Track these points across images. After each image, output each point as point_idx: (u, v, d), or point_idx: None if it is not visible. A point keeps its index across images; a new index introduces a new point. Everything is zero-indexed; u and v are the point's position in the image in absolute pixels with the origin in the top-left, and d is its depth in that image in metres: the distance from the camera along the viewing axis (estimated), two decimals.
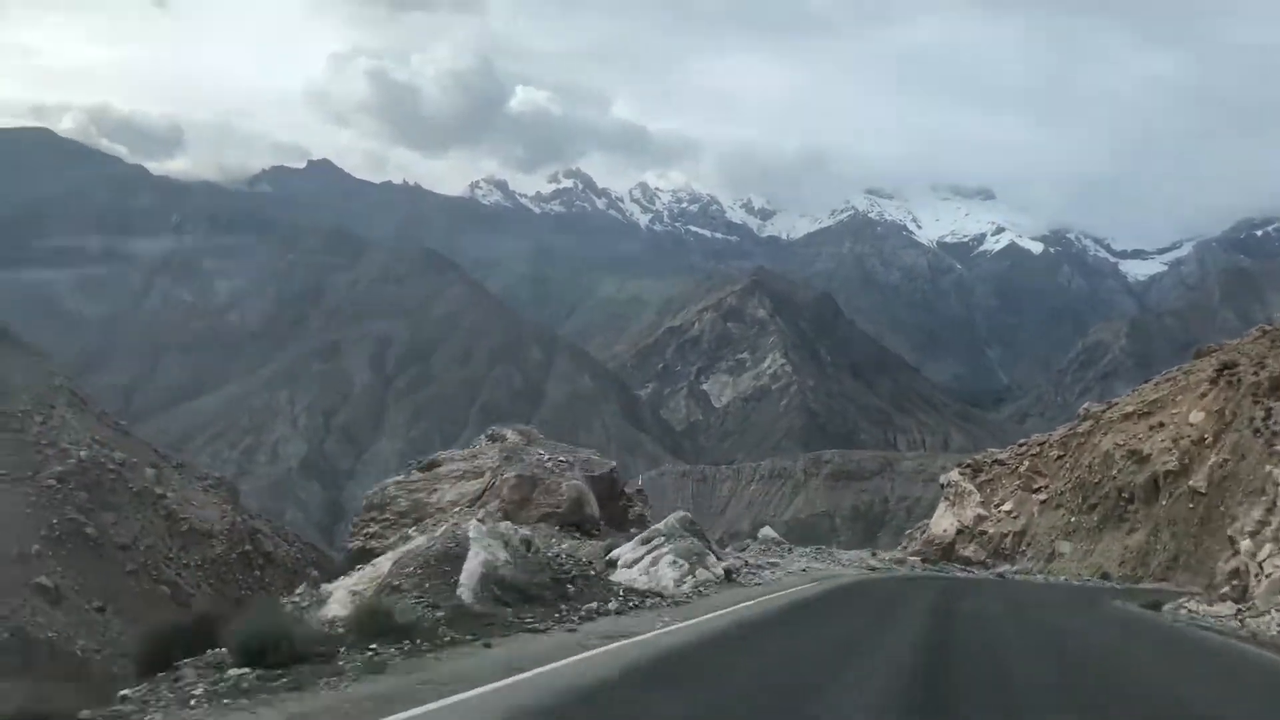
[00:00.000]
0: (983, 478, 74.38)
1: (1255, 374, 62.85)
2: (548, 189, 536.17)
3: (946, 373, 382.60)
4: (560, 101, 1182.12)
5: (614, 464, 27.97)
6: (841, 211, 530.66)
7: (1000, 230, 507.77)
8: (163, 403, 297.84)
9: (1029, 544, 68.07)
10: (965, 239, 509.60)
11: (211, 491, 56.94)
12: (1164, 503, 59.64)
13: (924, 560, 29.12)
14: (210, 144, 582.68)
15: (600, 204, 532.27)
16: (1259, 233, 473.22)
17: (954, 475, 77.54)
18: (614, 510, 27.63)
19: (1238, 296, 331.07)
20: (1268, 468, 52.50)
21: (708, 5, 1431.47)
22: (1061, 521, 67.51)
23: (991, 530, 69.08)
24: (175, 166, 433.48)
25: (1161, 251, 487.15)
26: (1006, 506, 70.27)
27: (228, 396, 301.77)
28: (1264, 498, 51.14)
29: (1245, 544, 27.35)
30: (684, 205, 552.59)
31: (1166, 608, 26.02)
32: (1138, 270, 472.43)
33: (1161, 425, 64.93)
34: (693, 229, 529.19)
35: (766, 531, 30.12)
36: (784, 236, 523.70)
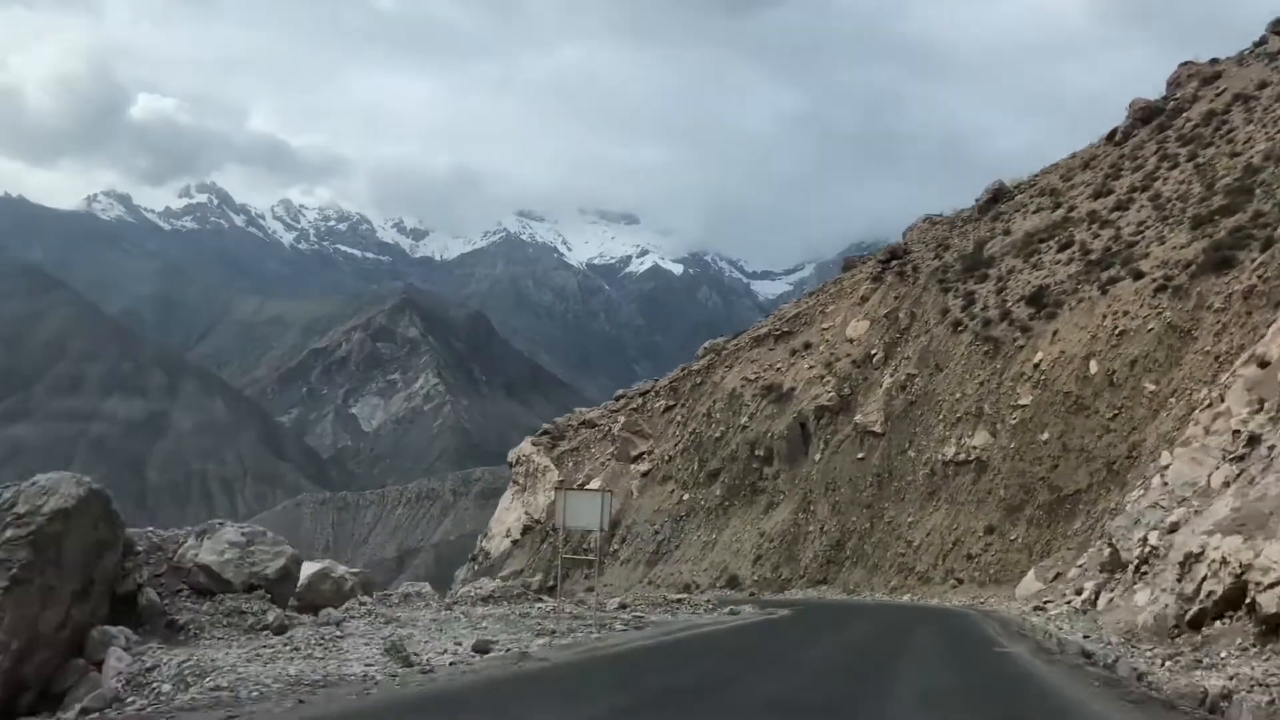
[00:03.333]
0: (564, 447, 50.28)
1: (938, 257, 42.55)
2: (178, 204, 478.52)
3: (598, 388, 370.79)
4: (190, 111, 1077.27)
5: None
6: (494, 233, 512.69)
7: (645, 252, 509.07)
8: None
9: (627, 537, 44.24)
10: (612, 261, 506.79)
11: None
12: (818, 458, 37.88)
13: None
14: None
15: (239, 220, 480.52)
16: (865, 254, 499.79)
17: (525, 447, 53.21)
18: None
19: None
20: (990, 369, 31.41)
21: (353, 21, 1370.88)
22: (671, 501, 44.32)
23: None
24: None
25: (787, 272, 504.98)
26: (596, 482, 46.24)
27: None
28: (982, 417, 29.47)
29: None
30: (332, 224, 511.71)
31: None
32: (767, 290, 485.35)
33: (807, 348, 43.48)
34: (342, 248, 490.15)
35: None
36: (437, 257, 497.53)
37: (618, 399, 55.19)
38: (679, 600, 27.38)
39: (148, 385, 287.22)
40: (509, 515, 51.65)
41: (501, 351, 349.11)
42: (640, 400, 53.21)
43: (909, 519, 33.45)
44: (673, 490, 46.69)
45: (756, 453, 43.53)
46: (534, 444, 53.67)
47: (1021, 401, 31.15)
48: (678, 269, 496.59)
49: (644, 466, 48.86)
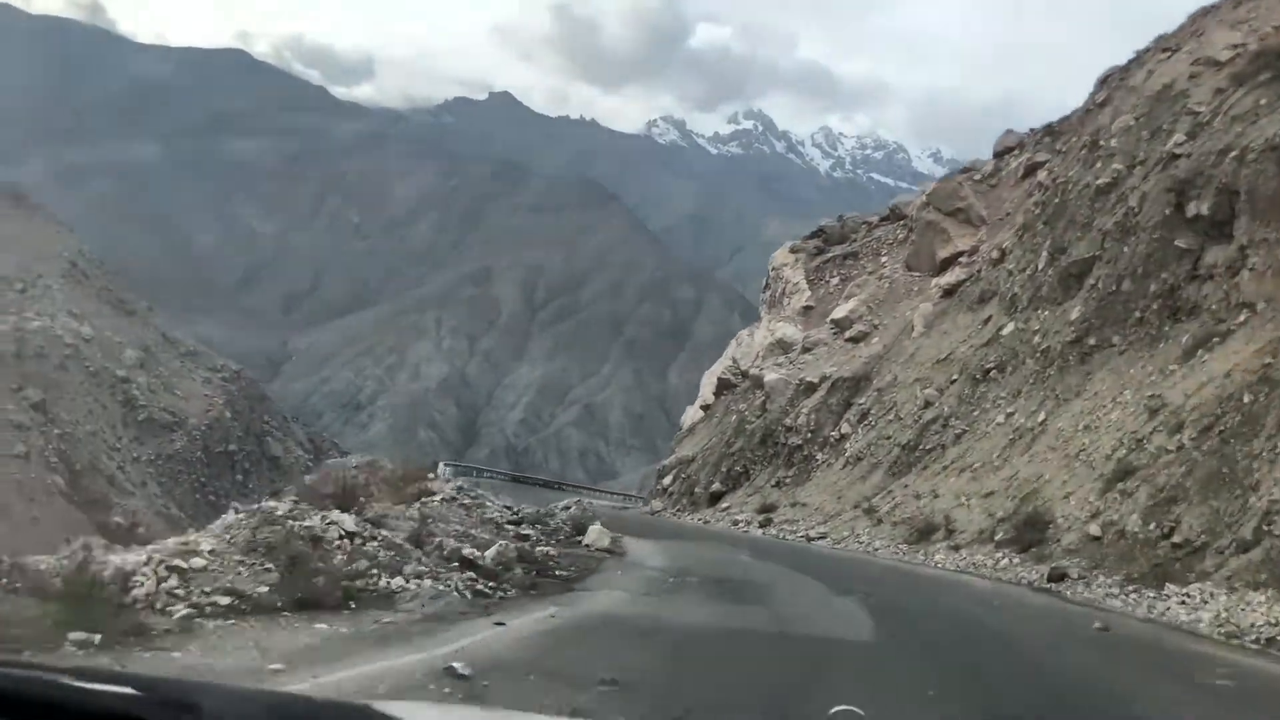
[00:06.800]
0: (834, 253, 24.84)
1: None
2: (726, 129, 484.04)
3: None
4: (743, 39, 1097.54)
5: None
6: None
7: None
8: (320, 316, 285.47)
9: (869, 412, 18.11)
10: None
11: (218, 385, 54.01)
12: None
13: None
14: (399, 74, 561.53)
15: (779, 147, 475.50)
16: None
17: (780, 256, 28.28)
18: None
19: None
20: None
21: None
22: (975, 341, 16.63)
23: (778, 375, 19.67)
24: (362, 93, 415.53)
25: None
26: (848, 307, 20.53)
27: (380, 314, 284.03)
28: None
29: None
30: (868, 152, 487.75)
31: None
32: None
33: None
34: (875, 177, 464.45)
35: None
36: None
37: (965, 170, 27.90)
38: None
39: (677, 297, 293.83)
40: (721, 365, 27.82)
41: None
42: (991, 165, 25.99)
43: None
44: (988, 319, 19.79)
45: (1186, 211, 15.45)
46: (793, 251, 28.80)
47: None
48: None
49: (952, 277, 22.20)
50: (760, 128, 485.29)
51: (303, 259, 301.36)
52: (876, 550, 15.51)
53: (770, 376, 22.45)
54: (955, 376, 19.27)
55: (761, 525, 19.02)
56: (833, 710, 2.52)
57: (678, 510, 23.20)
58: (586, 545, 10.01)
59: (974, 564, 13.28)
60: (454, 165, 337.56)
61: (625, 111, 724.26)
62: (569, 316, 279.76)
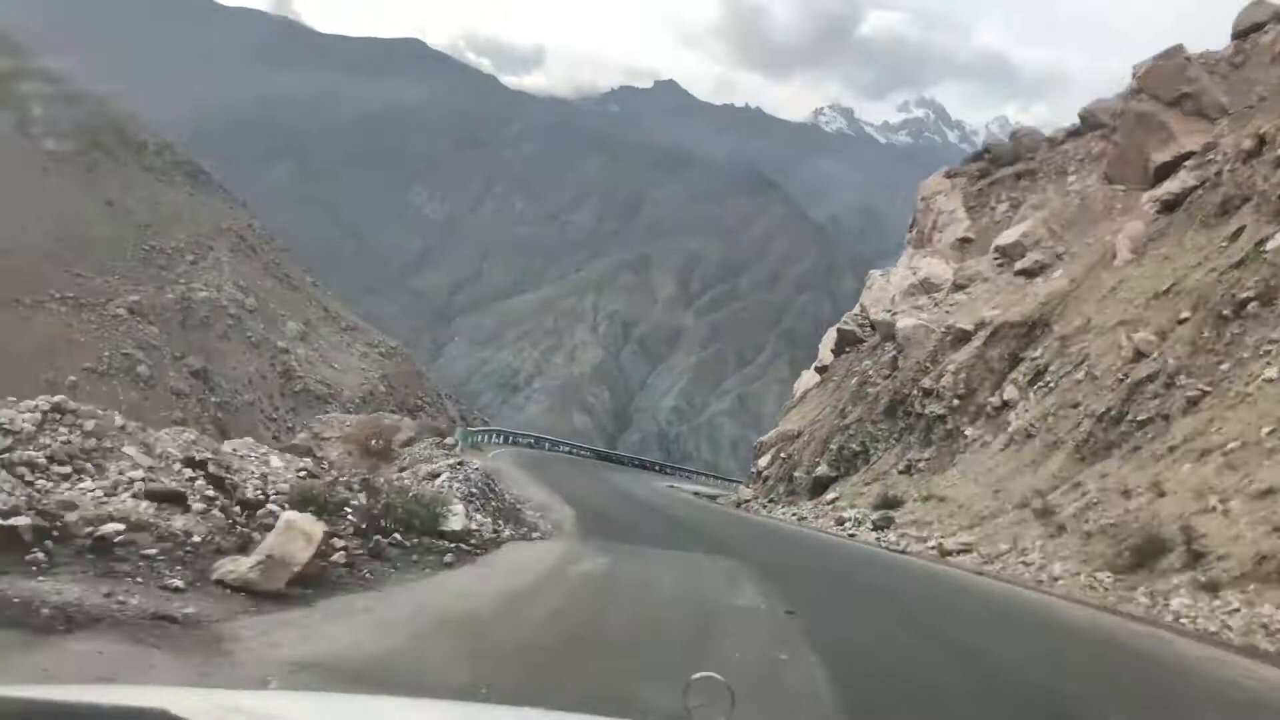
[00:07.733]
0: (1000, 175, 18.08)
1: None
2: (896, 118, 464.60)
3: None
4: (917, 26, 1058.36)
5: None
6: None
7: None
8: (483, 300, 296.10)
9: (1048, 368, 11.75)
10: None
11: (375, 360, 54.12)
12: None
13: None
14: (568, 64, 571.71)
15: (952, 137, 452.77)
16: None
17: (932, 183, 21.92)
18: None
19: None
20: None
21: None
22: (1215, 264, 10.36)
23: (916, 321, 13.29)
24: (531, 82, 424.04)
25: None
26: (1020, 230, 13.88)
27: (539, 299, 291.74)
28: None
29: None
30: None
31: None
32: None
33: None
34: None
35: None
36: None
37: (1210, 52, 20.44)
38: None
39: (837, 288, 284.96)
40: (847, 316, 21.66)
41: None
42: (1231, 48, 18.89)
43: None
44: (1238, 233, 13.02)
45: None
46: (949, 176, 22.35)
47: None
48: None
49: (1175, 185, 15.46)
50: (932, 116, 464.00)
51: (469, 244, 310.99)
52: (1056, 580, 9.20)
53: (905, 323, 16.12)
54: (1186, 314, 12.63)
55: (877, 527, 12.96)
56: (693, 676, 2.29)
57: (770, 500, 17.32)
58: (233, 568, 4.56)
59: (1261, 621, 6.97)
60: (617, 153, 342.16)
61: (792, 100, 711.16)
62: (725, 305, 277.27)
